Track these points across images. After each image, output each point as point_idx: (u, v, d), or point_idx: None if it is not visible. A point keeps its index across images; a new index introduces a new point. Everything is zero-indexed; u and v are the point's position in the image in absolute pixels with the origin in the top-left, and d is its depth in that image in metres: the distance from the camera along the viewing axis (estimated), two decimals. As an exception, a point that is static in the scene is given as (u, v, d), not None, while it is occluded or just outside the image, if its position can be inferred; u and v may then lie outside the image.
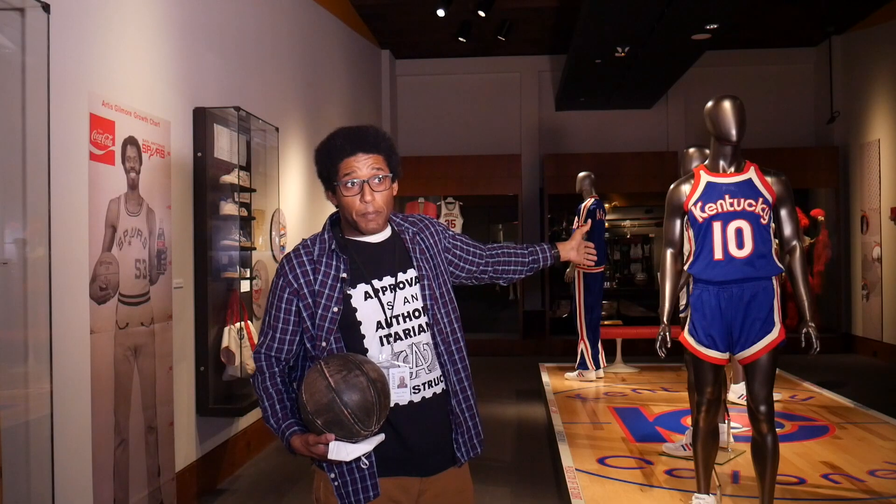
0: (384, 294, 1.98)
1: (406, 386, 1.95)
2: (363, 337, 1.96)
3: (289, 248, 6.12)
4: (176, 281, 4.18)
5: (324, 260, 1.99)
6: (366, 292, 1.97)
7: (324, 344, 1.93)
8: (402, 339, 1.97)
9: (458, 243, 2.24)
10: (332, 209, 2.11)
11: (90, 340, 3.31)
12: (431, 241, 2.12)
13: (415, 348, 1.99)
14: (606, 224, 8.31)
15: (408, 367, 1.96)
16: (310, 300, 1.96)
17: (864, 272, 9.84)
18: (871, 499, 3.95)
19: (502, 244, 2.34)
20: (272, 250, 5.63)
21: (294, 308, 1.99)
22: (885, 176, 9.34)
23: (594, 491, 4.08)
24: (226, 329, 4.64)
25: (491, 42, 10.11)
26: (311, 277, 1.97)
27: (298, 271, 1.99)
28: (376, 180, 1.94)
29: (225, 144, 4.76)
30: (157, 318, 3.90)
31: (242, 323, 4.74)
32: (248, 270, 4.90)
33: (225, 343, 4.61)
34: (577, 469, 4.45)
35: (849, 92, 10.28)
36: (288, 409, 1.97)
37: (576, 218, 7.79)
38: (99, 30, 3.50)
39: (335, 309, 1.94)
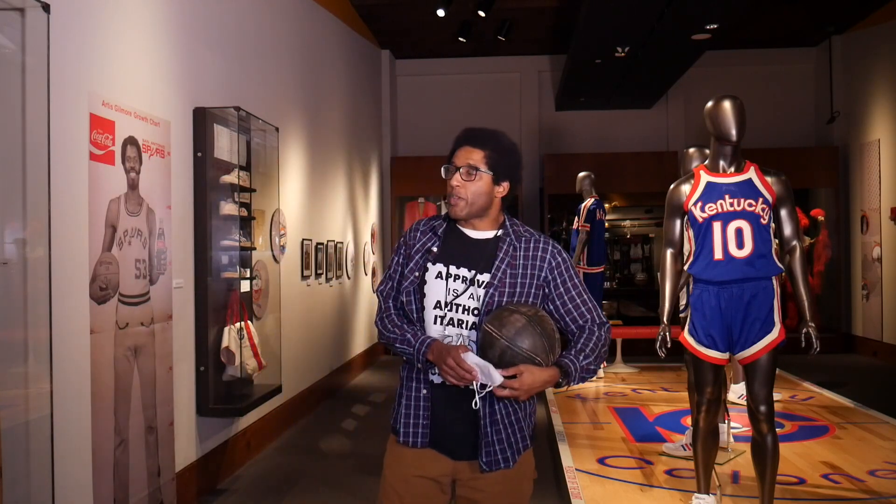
0: (454, 281, 2.16)
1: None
2: (423, 308, 2.17)
3: (289, 249, 6.14)
4: (176, 281, 4.18)
5: (430, 234, 2.24)
6: (439, 272, 2.17)
7: (403, 298, 2.20)
8: (453, 326, 2.14)
9: (563, 291, 2.18)
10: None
11: (90, 340, 3.31)
12: (536, 262, 2.17)
13: (464, 339, 2.14)
14: (606, 224, 8.31)
15: None
16: (406, 259, 2.24)
17: (864, 272, 9.84)
18: (871, 499, 3.95)
19: (590, 337, 2.16)
20: (272, 250, 5.63)
21: (401, 261, 2.27)
22: (886, 176, 9.34)
23: (594, 491, 4.08)
24: (226, 329, 4.64)
25: (491, 42, 10.11)
26: (418, 243, 2.24)
27: (414, 233, 2.27)
28: (467, 171, 2.14)
29: (225, 144, 4.75)
30: (158, 318, 3.90)
31: (242, 323, 4.73)
32: (248, 270, 4.89)
33: (225, 343, 4.61)
34: (577, 469, 4.45)
35: (849, 92, 10.28)
36: (417, 329, 2.18)
37: (576, 218, 7.79)
38: (99, 30, 3.50)
39: (416, 274, 2.19)
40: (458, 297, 2.14)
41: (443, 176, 2.19)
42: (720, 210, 3.46)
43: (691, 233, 3.57)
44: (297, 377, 6.40)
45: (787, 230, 3.52)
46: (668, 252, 3.69)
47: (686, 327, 3.61)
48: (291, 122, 6.48)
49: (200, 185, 4.47)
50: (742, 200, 3.45)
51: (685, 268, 3.63)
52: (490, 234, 2.20)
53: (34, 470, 2.67)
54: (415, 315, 2.18)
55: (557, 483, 4.57)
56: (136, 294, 3.69)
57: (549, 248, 2.20)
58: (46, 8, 2.67)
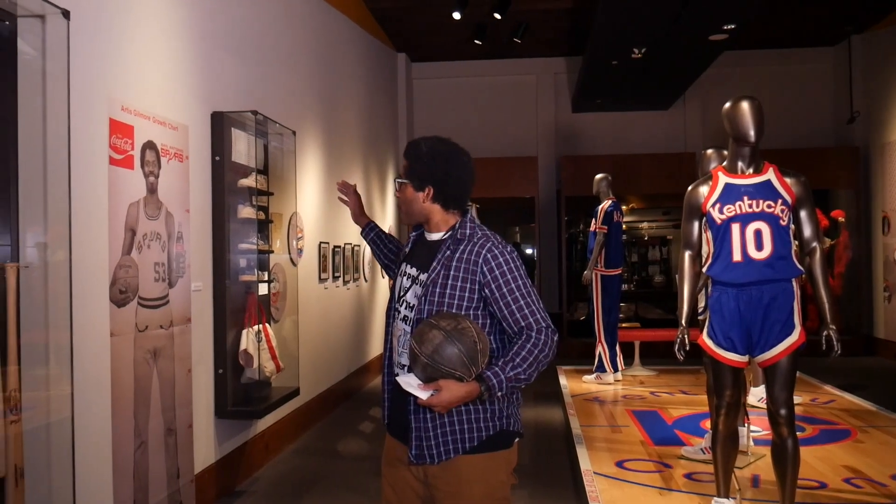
0: (406, 280, 2.31)
1: (397, 359, 2.27)
2: (393, 300, 2.34)
3: (306, 252, 6.17)
4: (194, 284, 4.20)
5: (411, 235, 2.42)
6: (401, 270, 2.36)
7: (391, 289, 2.41)
8: (399, 321, 2.28)
9: (498, 295, 2.14)
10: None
11: (110, 343, 3.34)
12: (469, 266, 2.18)
13: (406, 334, 2.23)
14: (624, 226, 8.28)
15: (400, 346, 2.27)
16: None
17: (885, 274, 9.73)
18: (893, 503, 3.91)
19: (524, 344, 2.10)
20: (289, 253, 5.65)
21: None
22: (907, 176, 9.24)
23: (612, 494, 4.06)
24: (244, 332, 4.66)
25: (507, 44, 10.11)
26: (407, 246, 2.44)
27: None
28: (397, 183, 2.32)
29: (242, 148, 4.78)
30: (176, 321, 3.92)
31: (260, 325, 4.76)
32: (266, 273, 4.92)
33: (243, 346, 4.63)
34: (595, 472, 4.43)
35: (869, 92, 10.17)
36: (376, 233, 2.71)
37: (593, 220, 7.76)
38: (118, 35, 3.53)
39: (398, 271, 2.39)
40: (406, 293, 2.28)
41: None
42: (739, 211, 3.43)
43: (710, 234, 3.55)
44: (314, 380, 6.42)
45: (807, 231, 3.49)
46: (687, 254, 3.67)
47: (705, 330, 3.58)
48: (308, 126, 6.51)
49: (218, 188, 4.50)
50: (761, 202, 3.42)
51: (703, 270, 3.60)
52: (441, 236, 2.29)
53: (55, 471, 2.69)
54: (390, 309, 2.36)
55: (575, 486, 4.55)
56: (155, 297, 3.72)
57: (484, 251, 2.17)
58: (66, 14, 2.70)
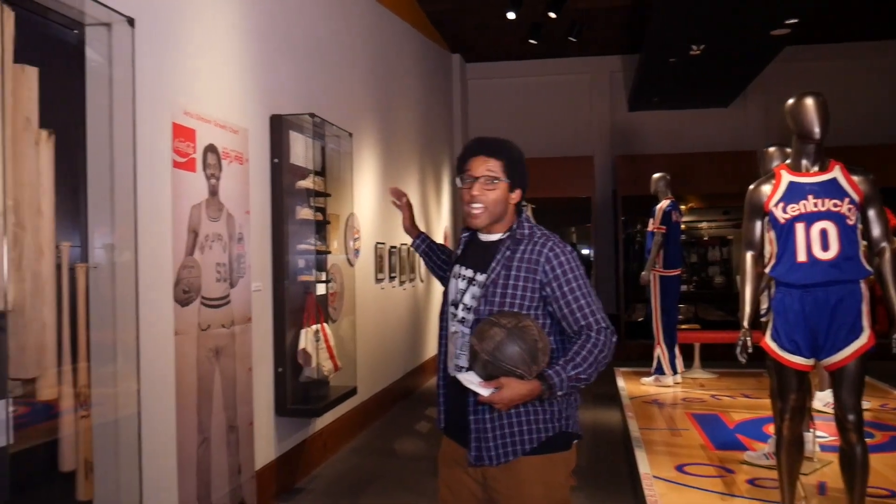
0: (461, 281, 2.29)
1: (455, 361, 2.25)
2: (446, 304, 2.33)
3: (363, 253, 6.22)
4: (255, 284, 4.28)
5: (462, 237, 2.40)
6: (455, 272, 2.33)
7: (444, 291, 2.38)
8: (459, 323, 2.25)
9: (559, 295, 2.14)
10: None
11: (174, 341, 3.42)
12: (531, 265, 2.17)
13: (464, 336, 2.22)
14: (682, 226, 8.13)
15: (457, 348, 2.24)
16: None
17: (959, 274, 9.33)
18: (969, 513, 3.75)
19: (584, 344, 2.10)
20: (346, 254, 5.71)
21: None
22: (982, 173, 8.85)
23: (672, 499, 3.99)
24: (302, 331, 4.73)
25: (562, 43, 10.03)
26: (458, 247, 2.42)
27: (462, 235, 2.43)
28: (487, 180, 2.21)
29: (300, 150, 4.85)
30: (237, 321, 4.00)
31: (318, 325, 4.82)
32: (324, 274, 4.98)
33: (302, 345, 4.70)
34: (654, 476, 4.37)
35: (941, 85, 9.79)
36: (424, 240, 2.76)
37: (650, 220, 7.65)
38: (180, 42, 3.63)
39: (449, 274, 2.38)
40: (463, 296, 2.26)
41: (458, 185, 2.28)
42: (803, 211, 3.34)
43: (772, 234, 3.46)
44: (371, 379, 6.48)
45: (876, 231, 3.37)
46: (749, 254, 3.59)
47: (768, 332, 3.50)
48: (365, 128, 6.57)
49: (277, 190, 4.58)
50: (827, 200, 3.32)
51: (766, 270, 3.52)
52: (498, 237, 2.27)
53: (123, 465, 2.77)
54: (444, 312, 2.34)
55: (634, 490, 4.49)
56: (217, 297, 3.80)
57: (546, 250, 2.17)
58: (131, 22, 2.78)
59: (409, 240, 8.18)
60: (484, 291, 2.18)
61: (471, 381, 2.06)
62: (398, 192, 2.77)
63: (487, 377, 2.04)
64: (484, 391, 2.02)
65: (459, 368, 2.22)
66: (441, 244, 2.76)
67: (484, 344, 2.03)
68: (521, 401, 2.05)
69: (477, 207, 2.22)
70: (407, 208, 2.74)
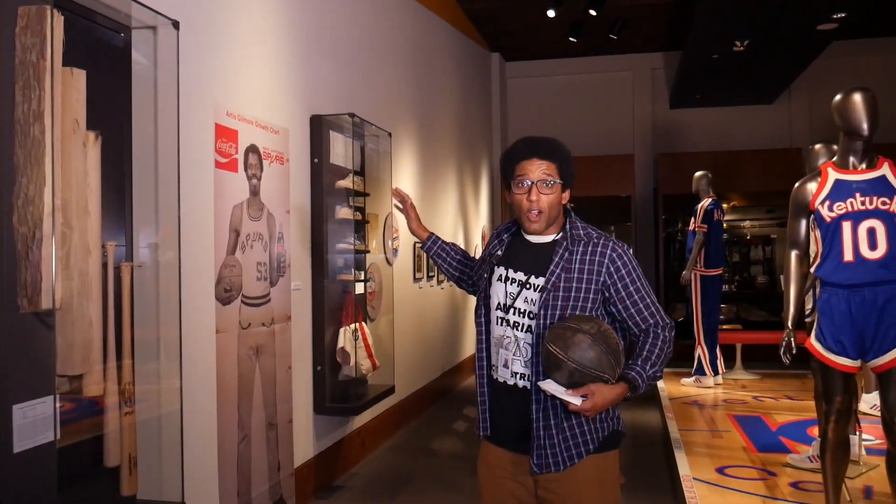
0: (511, 284, 2.20)
1: (508, 367, 2.19)
2: (489, 310, 2.25)
3: (401, 252, 6.25)
4: (294, 283, 4.33)
5: (497, 238, 2.33)
6: (500, 275, 2.23)
7: (482, 295, 2.29)
8: (510, 328, 2.18)
9: (624, 295, 2.14)
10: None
11: (216, 339, 3.47)
12: (594, 267, 2.14)
13: (519, 341, 2.17)
14: (725, 225, 8.01)
15: (510, 353, 2.18)
16: (483, 257, 2.39)
17: None
18: None
19: (655, 342, 2.15)
20: (385, 253, 5.74)
21: (483, 255, 2.41)
22: None
23: (713, 501, 3.94)
24: (341, 330, 4.76)
25: (602, 41, 9.94)
26: (490, 246, 2.35)
27: (492, 237, 2.37)
28: (544, 184, 2.14)
29: (340, 150, 4.89)
30: (277, 319, 4.05)
31: (357, 324, 4.85)
32: (363, 273, 5.01)
33: (340, 344, 4.73)
34: (694, 478, 4.31)
35: None
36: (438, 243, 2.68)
37: (692, 219, 7.55)
38: (223, 44, 3.68)
39: (485, 275, 2.28)
40: (514, 300, 2.17)
41: (514, 190, 2.19)
42: (850, 209, 3.27)
43: (818, 233, 3.39)
44: (409, 378, 6.50)
45: (926, 230, 3.28)
46: (793, 253, 3.53)
47: (813, 333, 3.43)
48: (403, 127, 6.59)
49: (317, 190, 4.62)
50: (875, 198, 3.25)
51: (811, 270, 3.45)
52: (548, 239, 2.21)
53: (166, 460, 2.82)
54: (483, 316, 2.26)
55: (674, 492, 4.44)
56: (257, 296, 3.85)
57: (608, 251, 2.15)
58: (176, 25, 2.83)
59: (447, 239, 8.15)
60: (546, 295, 2.12)
61: (557, 390, 2.02)
62: (400, 194, 2.70)
63: (573, 384, 2.01)
64: (574, 399, 2.00)
65: (514, 374, 2.18)
66: (452, 243, 2.69)
67: (570, 352, 1.98)
68: (611, 405, 2.06)
69: (537, 213, 2.15)
70: (412, 210, 2.67)
